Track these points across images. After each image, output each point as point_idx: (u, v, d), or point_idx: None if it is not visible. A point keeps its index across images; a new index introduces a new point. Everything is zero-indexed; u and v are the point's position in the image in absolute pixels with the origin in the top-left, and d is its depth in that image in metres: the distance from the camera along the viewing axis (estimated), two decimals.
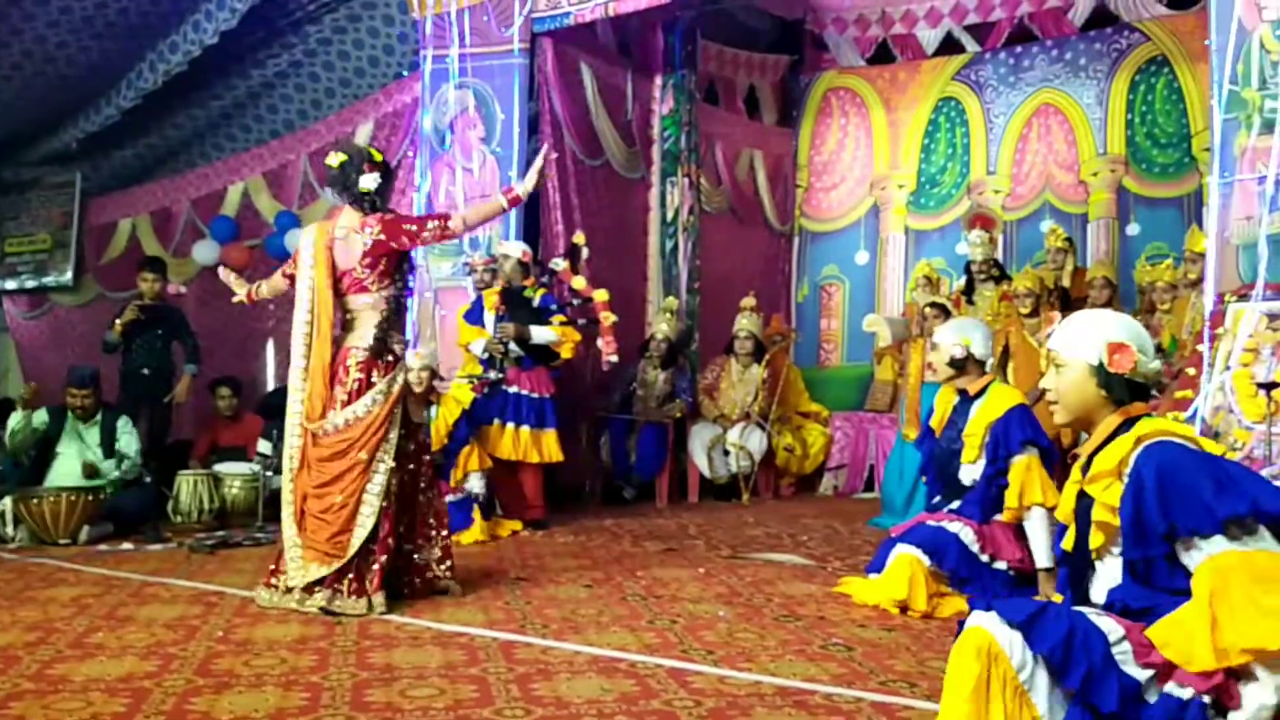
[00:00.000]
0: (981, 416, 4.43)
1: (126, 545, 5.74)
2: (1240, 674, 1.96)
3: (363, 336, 4.44)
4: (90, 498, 5.82)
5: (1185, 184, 8.30)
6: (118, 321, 7.12)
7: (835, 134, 10.01)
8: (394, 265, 4.49)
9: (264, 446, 6.73)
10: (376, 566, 4.25)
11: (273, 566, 4.38)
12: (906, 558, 4.35)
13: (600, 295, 6.85)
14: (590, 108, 8.02)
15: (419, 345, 6.82)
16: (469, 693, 3.15)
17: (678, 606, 4.38)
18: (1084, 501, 2.25)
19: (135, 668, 3.36)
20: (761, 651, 3.68)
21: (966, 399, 4.56)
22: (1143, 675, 2.02)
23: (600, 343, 6.88)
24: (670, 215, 8.63)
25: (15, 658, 3.46)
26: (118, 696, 3.05)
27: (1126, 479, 2.13)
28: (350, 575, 4.22)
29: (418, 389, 5.34)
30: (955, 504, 4.53)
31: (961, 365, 4.52)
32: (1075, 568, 2.31)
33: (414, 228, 4.48)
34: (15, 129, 9.04)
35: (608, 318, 6.81)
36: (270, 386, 8.16)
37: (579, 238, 7.27)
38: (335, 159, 4.58)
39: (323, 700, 3.06)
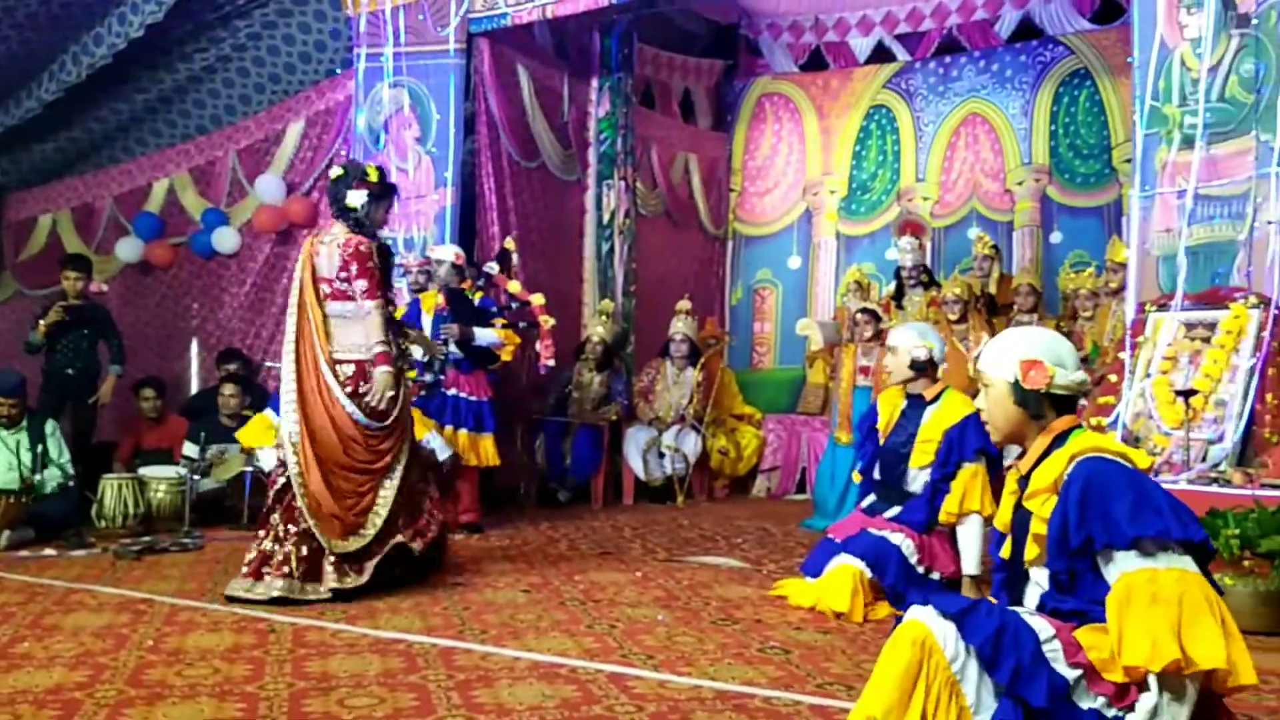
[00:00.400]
0: (937, 422, 4.46)
1: (49, 551, 5.57)
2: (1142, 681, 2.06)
3: (346, 341, 4.62)
4: (11, 501, 5.65)
5: (1106, 194, 8.54)
6: (41, 322, 6.92)
7: (769, 139, 10.12)
8: (378, 280, 4.64)
9: (190, 449, 6.60)
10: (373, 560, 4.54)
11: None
12: (848, 569, 4.39)
13: (537, 299, 6.85)
14: (527, 109, 8.01)
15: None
16: (409, 701, 3.13)
17: (616, 611, 4.39)
18: (1021, 514, 2.32)
19: (64, 678, 3.28)
20: (700, 655, 3.72)
21: (918, 403, 4.59)
22: (1071, 675, 2.10)
23: (538, 346, 6.87)
24: (606, 218, 8.65)
25: None
26: (47, 708, 2.97)
27: (1059, 494, 2.20)
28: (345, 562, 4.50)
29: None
30: (894, 510, 4.59)
31: (923, 368, 4.55)
32: (1011, 576, 2.38)
33: (365, 278, 4.59)
34: None
35: (547, 321, 6.81)
36: (195, 388, 8.00)
37: (509, 243, 7.26)
38: (334, 171, 4.80)
39: (260, 710, 3.01)
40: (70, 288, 7.07)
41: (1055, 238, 8.79)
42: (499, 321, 6.61)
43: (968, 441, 4.35)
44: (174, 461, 6.75)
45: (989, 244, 8.28)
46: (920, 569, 4.39)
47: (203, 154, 8.34)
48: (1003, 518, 2.40)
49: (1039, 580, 2.30)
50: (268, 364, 7.72)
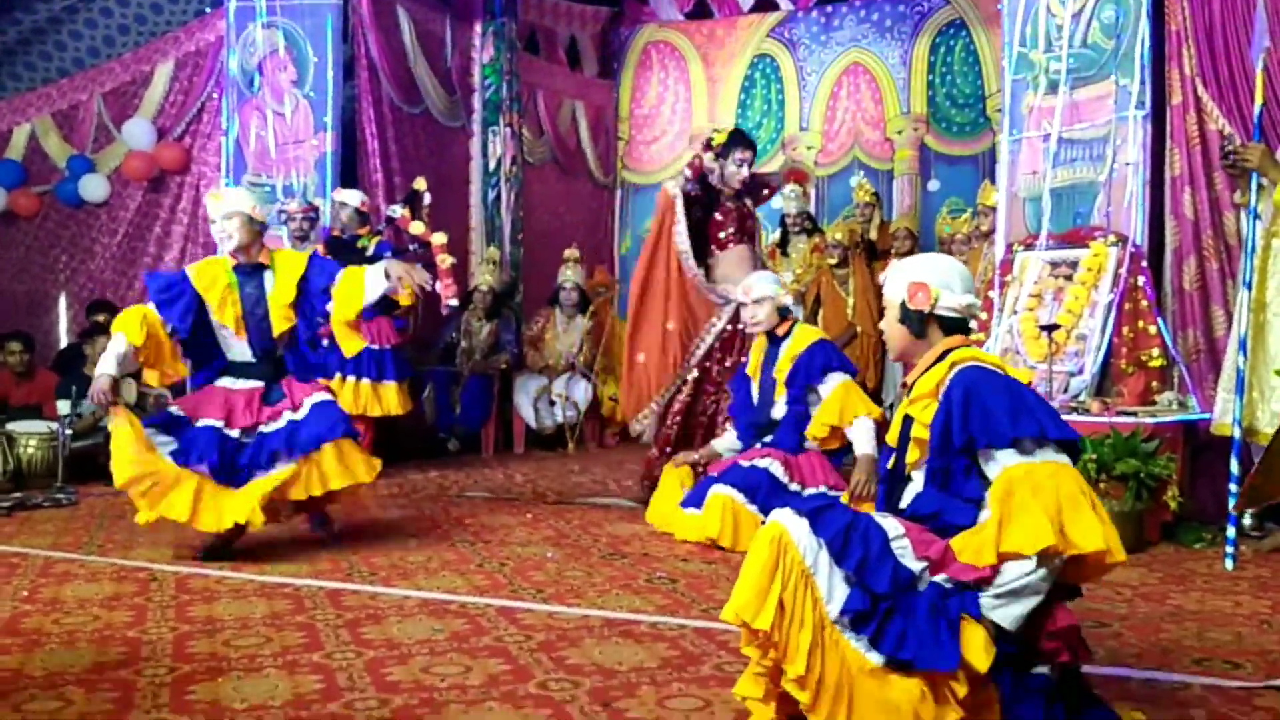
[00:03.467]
0: (789, 353, 4.75)
1: None
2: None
3: None
4: None
5: (981, 142, 8.81)
6: None
7: (655, 87, 10.13)
8: None
9: (63, 406, 6.36)
10: None
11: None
12: (720, 498, 4.57)
13: (438, 239, 6.73)
14: (408, 53, 7.84)
15: None
16: (297, 639, 3.13)
17: (506, 550, 4.44)
18: (905, 424, 2.45)
19: None
20: (589, 588, 3.79)
21: (776, 341, 4.84)
22: (917, 566, 2.25)
23: (438, 285, 6.78)
24: (492, 165, 8.56)
25: None
26: None
27: (940, 399, 2.33)
28: None
29: None
30: (765, 439, 4.79)
31: (786, 312, 4.87)
32: (891, 486, 2.51)
33: None
34: None
35: (445, 259, 6.69)
36: (64, 342, 7.69)
37: (419, 183, 7.13)
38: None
39: (143, 653, 2.98)
40: None
41: (933, 185, 9.04)
42: None
43: (814, 362, 4.66)
44: (44, 417, 6.50)
45: (870, 191, 8.48)
46: (794, 486, 4.57)
47: (65, 98, 7.92)
48: (893, 434, 2.52)
49: (916, 483, 2.43)
50: None
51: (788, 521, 2.25)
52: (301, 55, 7.30)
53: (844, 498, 3.50)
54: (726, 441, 5.07)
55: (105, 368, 4.20)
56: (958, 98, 9.04)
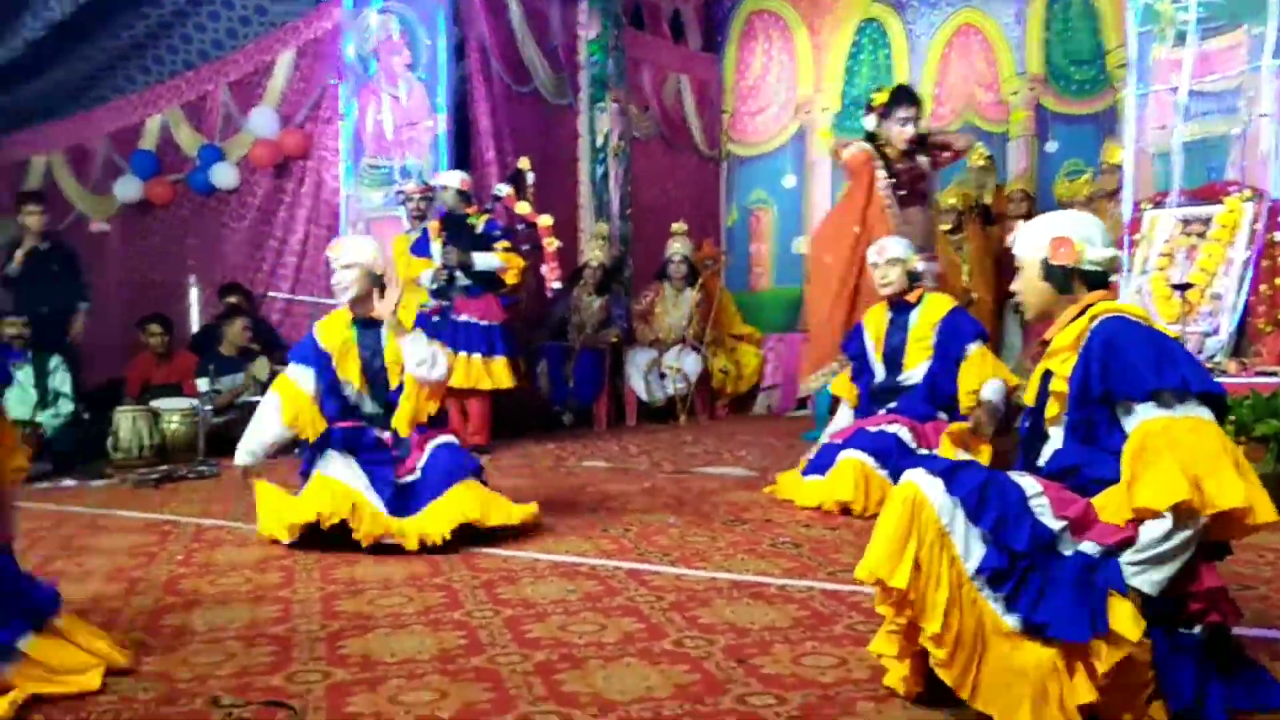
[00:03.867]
0: (925, 320, 4.73)
1: (69, 482, 5.69)
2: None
3: None
4: (27, 434, 5.75)
5: (1101, 100, 8.50)
6: (19, 252, 6.93)
7: (760, 58, 10.05)
8: None
9: (202, 384, 6.68)
10: None
11: None
12: (851, 462, 4.55)
13: (545, 220, 6.85)
14: (516, 33, 7.95)
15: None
16: (437, 598, 3.25)
17: (629, 517, 4.51)
18: (1044, 380, 2.42)
19: (101, 590, 3.40)
20: (714, 552, 3.84)
21: (904, 309, 4.79)
22: (1056, 525, 2.21)
23: (544, 269, 6.91)
24: (600, 141, 8.63)
25: None
26: (89, 617, 3.08)
27: (1080, 351, 2.30)
28: None
29: None
30: (890, 405, 4.77)
31: (917, 277, 4.87)
32: (1030, 446, 2.48)
33: None
34: None
35: (551, 243, 6.82)
36: (196, 324, 8.05)
37: (524, 163, 7.24)
38: None
39: (294, 611, 3.13)
40: (34, 223, 7.05)
41: (1051, 146, 8.78)
42: (501, 245, 6.65)
43: (963, 328, 4.64)
44: (184, 395, 6.84)
45: (984, 155, 8.28)
46: (921, 452, 4.53)
47: (193, 89, 8.29)
48: (1031, 392, 2.50)
49: (1055, 439, 2.40)
50: (270, 294, 7.78)
51: (922, 480, 2.25)
52: (415, 39, 7.47)
53: (952, 427, 3.42)
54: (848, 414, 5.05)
55: (251, 452, 4.20)
56: (1076, 55, 8.75)
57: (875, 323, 4.94)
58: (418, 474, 4.17)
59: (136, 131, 8.44)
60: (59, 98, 9.09)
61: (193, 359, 7.19)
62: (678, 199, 9.43)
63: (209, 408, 6.40)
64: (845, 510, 4.48)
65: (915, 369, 4.74)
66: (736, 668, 2.57)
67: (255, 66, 8.14)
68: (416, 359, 4.13)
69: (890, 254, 4.77)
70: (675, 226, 8.52)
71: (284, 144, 7.93)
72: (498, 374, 6.61)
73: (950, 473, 2.24)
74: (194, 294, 8.18)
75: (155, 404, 6.51)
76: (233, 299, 7.61)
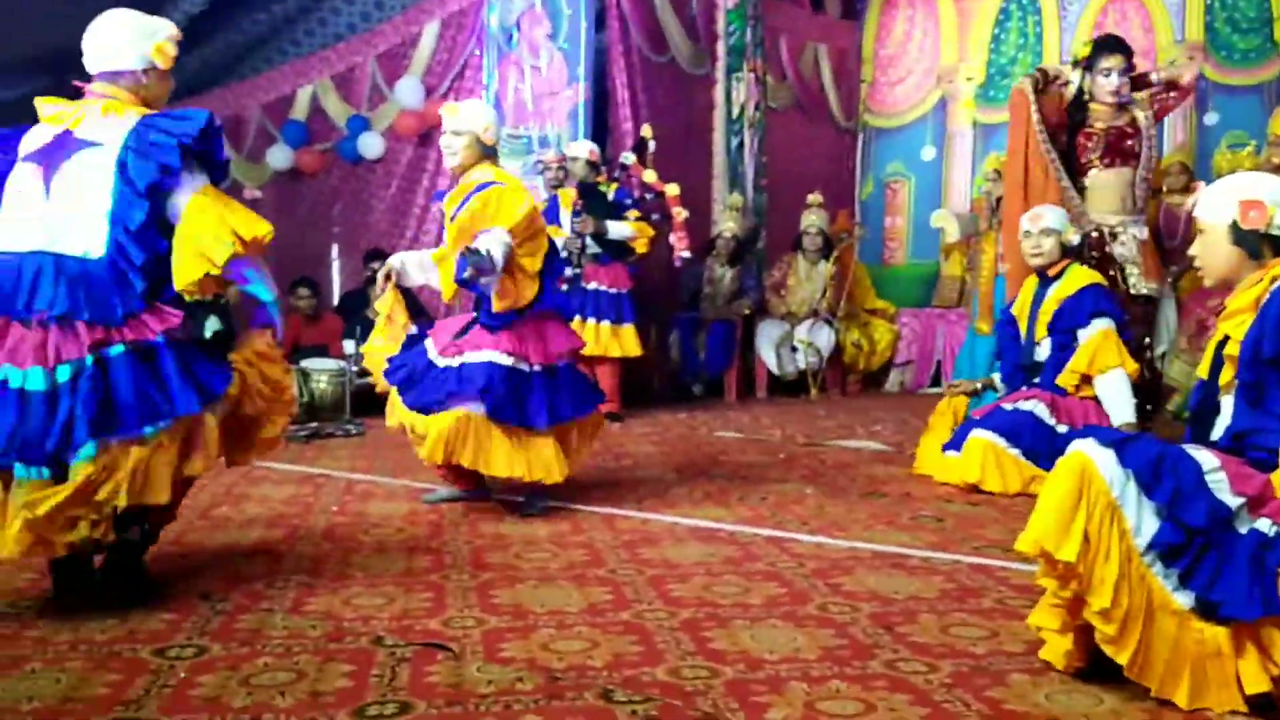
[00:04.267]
0: (1057, 294, 4.61)
1: None
2: None
3: None
4: None
5: (1267, 70, 8.06)
6: None
7: (901, 25, 9.82)
8: None
9: (349, 346, 6.91)
10: None
11: None
12: (980, 442, 4.48)
13: (672, 190, 6.86)
14: (656, 3, 7.94)
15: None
16: (580, 556, 3.32)
17: (765, 487, 4.51)
18: (1219, 346, 2.34)
19: (264, 535, 3.58)
20: (853, 523, 3.81)
21: (1047, 282, 4.66)
22: (1234, 502, 2.13)
23: (673, 238, 6.92)
24: (736, 111, 8.56)
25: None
26: (254, 561, 3.25)
27: (1257, 313, 2.21)
28: None
29: None
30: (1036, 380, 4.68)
31: (1072, 251, 4.69)
32: (1202, 420, 2.40)
33: None
34: (74, 42, 9.09)
35: (680, 213, 6.84)
36: (337, 288, 8.36)
37: (646, 130, 7.26)
38: None
39: (446, 561, 3.24)
40: None
41: (1210, 118, 8.35)
42: (632, 214, 6.69)
43: (1082, 306, 4.48)
44: (331, 356, 7.09)
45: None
46: (1061, 428, 4.42)
47: (343, 60, 8.54)
48: (1205, 365, 2.42)
49: (1226, 411, 2.31)
50: None
51: (1092, 451, 2.18)
52: (556, 8, 7.54)
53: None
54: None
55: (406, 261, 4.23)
56: (1240, 22, 8.29)
57: (1024, 294, 4.82)
58: (454, 362, 3.83)
59: (288, 102, 8.76)
60: (216, 69, 9.49)
61: (339, 321, 7.46)
62: (813, 170, 9.30)
63: (355, 369, 6.62)
64: (975, 489, 4.40)
65: (1045, 344, 4.63)
66: (884, 634, 2.56)
67: (402, 38, 8.34)
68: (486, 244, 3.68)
69: (1045, 224, 4.63)
70: (810, 198, 8.42)
71: (428, 114, 8.11)
72: (626, 341, 6.65)
73: (1123, 444, 2.17)
74: (335, 260, 8.50)
75: (304, 364, 6.77)
76: (377, 265, 7.83)
